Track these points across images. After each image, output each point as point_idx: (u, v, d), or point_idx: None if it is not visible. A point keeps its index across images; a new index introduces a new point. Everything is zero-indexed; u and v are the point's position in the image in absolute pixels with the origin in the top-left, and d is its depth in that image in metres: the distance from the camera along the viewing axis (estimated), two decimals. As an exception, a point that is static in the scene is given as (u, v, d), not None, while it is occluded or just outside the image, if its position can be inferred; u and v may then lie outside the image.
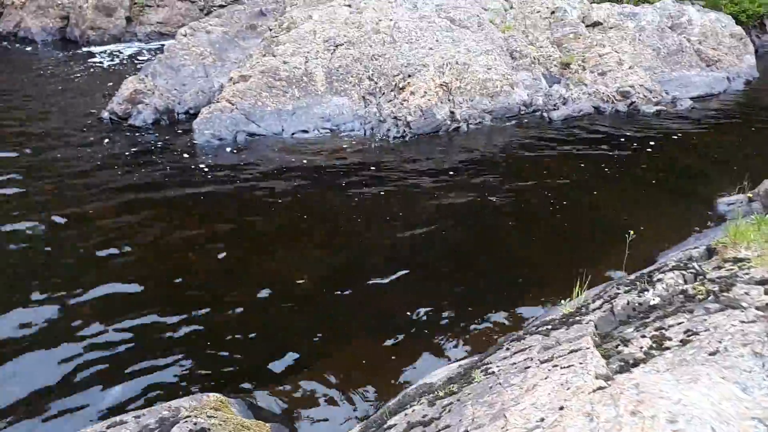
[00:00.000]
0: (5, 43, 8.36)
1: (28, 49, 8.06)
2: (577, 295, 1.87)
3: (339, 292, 2.99)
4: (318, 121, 5.21)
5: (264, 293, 2.96)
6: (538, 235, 3.57)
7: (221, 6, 8.47)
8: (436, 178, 4.33)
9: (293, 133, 5.09)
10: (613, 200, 4.03)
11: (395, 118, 5.13)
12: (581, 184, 4.25)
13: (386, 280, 3.09)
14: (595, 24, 6.35)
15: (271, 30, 6.20)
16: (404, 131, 5.07)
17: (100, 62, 7.40)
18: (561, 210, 3.86)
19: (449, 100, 5.30)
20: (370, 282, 3.08)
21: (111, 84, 6.38)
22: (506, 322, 2.75)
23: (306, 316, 2.81)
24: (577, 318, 1.53)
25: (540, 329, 1.56)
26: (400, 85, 5.34)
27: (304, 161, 4.57)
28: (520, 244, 3.48)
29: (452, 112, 5.25)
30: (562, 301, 1.89)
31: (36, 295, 2.86)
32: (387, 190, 4.11)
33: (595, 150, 4.88)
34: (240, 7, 7.80)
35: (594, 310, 1.56)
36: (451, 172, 4.44)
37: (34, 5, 8.40)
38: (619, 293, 1.61)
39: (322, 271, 3.19)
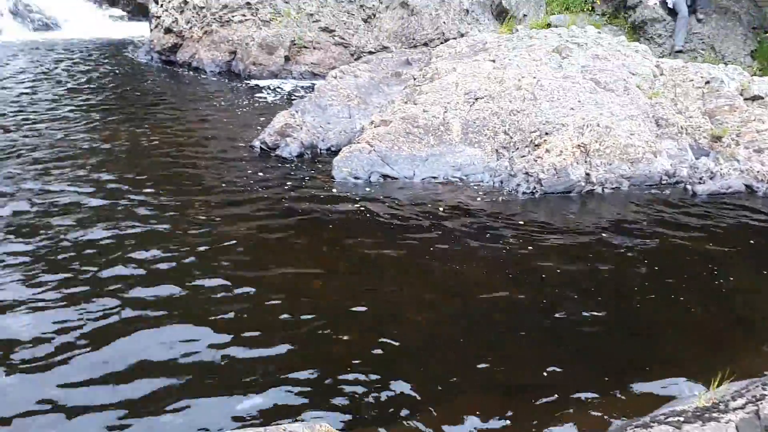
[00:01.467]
0: (181, 69, 9.48)
1: (202, 77, 9.06)
2: (716, 387, 1.75)
3: (452, 340, 3.01)
4: (449, 169, 5.33)
5: (379, 327, 3.05)
6: (669, 311, 3.36)
7: (371, 52, 8.99)
8: (563, 238, 4.25)
9: (423, 179, 5.24)
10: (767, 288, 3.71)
11: (527, 173, 5.12)
12: (726, 263, 3.95)
13: (498, 337, 3.07)
14: (755, 98, 5.94)
15: (415, 79, 6.48)
16: (535, 188, 5.03)
17: (263, 95, 8.11)
18: (700, 289, 3.61)
19: (586, 162, 5.19)
20: (481, 333, 3.07)
21: (265, 116, 6.97)
22: (623, 398, 2.60)
23: (420, 359, 2.85)
24: (715, 415, 1.44)
25: (669, 419, 1.48)
26: (536, 142, 5.33)
27: (432, 206, 4.69)
28: (649, 318, 3.30)
29: (588, 174, 5.14)
30: (696, 392, 1.78)
31: (170, 310, 3.17)
32: (511, 244, 4.09)
33: (744, 231, 4.53)
34: (388, 55, 8.24)
35: (735, 409, 1.46)
36: (580, 235, 4.32)
37: (208, 40, 9.45)
38: (766, 395, 1.49)
39: (438, 315, 3.24)
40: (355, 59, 8.97)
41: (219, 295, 3.29)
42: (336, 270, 3.69)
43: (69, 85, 8.07)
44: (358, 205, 4.65)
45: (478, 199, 4.92)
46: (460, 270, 3.76)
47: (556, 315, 3.29)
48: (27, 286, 3.28)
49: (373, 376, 2.71)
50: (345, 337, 2.99)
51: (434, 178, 5.25)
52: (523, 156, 5.30)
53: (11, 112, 6.64)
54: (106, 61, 9.95)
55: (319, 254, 3.87)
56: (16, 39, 11.28)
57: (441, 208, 4.67)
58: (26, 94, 7.48)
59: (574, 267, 3.84)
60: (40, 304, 3.13)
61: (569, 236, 4.31)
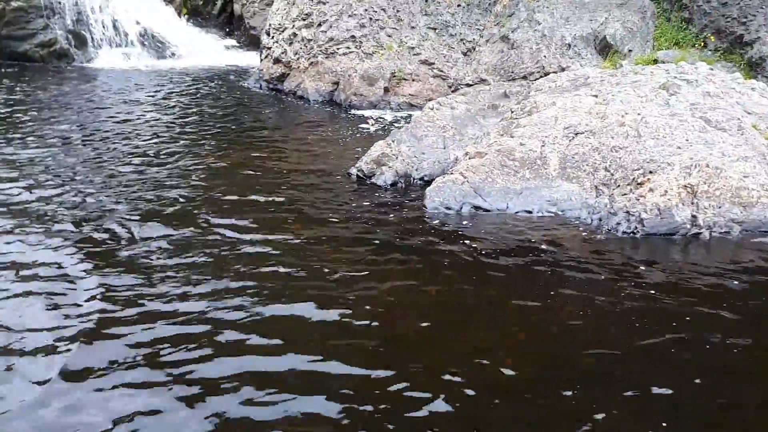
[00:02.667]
0: (286, 98, 9.99)
1: (305, 106, 9.51)
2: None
3: (546, 389, 2.92)
4: (544, 203, 5.23)
5: (458, 368, 3.02)
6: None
7: (468, 85, 9.06)
8: (665, 282, 4.03)
9: (517, 212, 5.18)
10: None
11: (628, 212, 4.92)
12: None
13: (594, 390, 2.94)
14: None
15: (512, 112, 6.46)
16: (636, 227, 4.83)
17: (362, 125, 8.38)
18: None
19: (692, 203, 4.92)
20: (573, 385, 2.96)
21: (363, 145, 7.18)
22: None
23: (509, 407, 2.79)
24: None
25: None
26: (639, 180, 5.12)
27: (525, 240, 4.61)
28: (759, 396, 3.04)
29: (694, 216, 4.86)
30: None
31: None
32: (609, 285, 3.93)
33: None
34: (486, 87, 8.27)
35: None
36: (685, 280, 4.08)
37: (314, 70, 9.91)
38: None
39: (526, 356, 3.16)
40: (453, 91, 9.07)
41: (307, 320, 3.40)
42: (423, 301, 3.71)
43: (185, 109, 8.74)
44: (448, 236, 4.67)
45: (575, 236, 4.79)
46: (552, 309, 3.66)
47: (658, 364, 3.12)
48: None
49: (460, 417, 2.69)
50: (422, 370, 2.99)
51: (528, 212, 5.16)
52: (625, 194, 5.11)
53: (134, 132, 7.28)
54: (220, 87, 10.69)
55: (407, 284, 3.90)
56: (143, 66, 12.39)
57: (535, 244, 4.58)
58: (149, 114, 8.17)
59: (675, 313, 3.63)
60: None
61: (673, 280, 4.09)
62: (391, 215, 5.06)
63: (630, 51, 9.02)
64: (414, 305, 3.62)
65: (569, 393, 2.84)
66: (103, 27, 12.59)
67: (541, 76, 8.04)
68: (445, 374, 2.95)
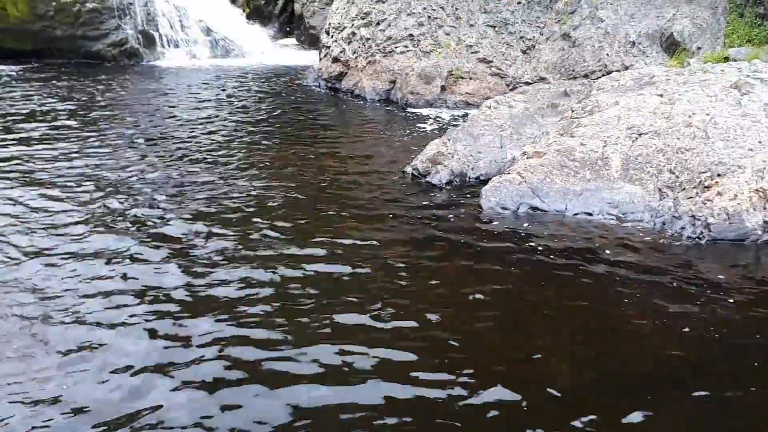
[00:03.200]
0: (343, 96, 10.12)
1: (362, 104, 9.61)
2: None
3: (603, 395, 2.85)
4: (604, 205, 5.09)
5: (512, 371, 2.98)
6: None
7: (527, 83, 8.92)
8: (731, 290, 3.85)
9: (576, 214, 5.06)
10: None
11: (693, 216, 4.74)
12: None
13: (655, 398, 2.85)
14: None
15: (572, 111, 6.32)
16: (702, 233, 4.64)
17: (418, 123, 8.39)
18: None
19: (765, 209, 4.69)
20: (633, 392, 2.88)
21: (418, 143, 7.19)
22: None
23: (564, 412, 2.75)
24: None
25: None
26: (706, 183, 4.91)
27: (584, 243, 4.51)
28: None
29: (766, 222, 4.63)
30: None
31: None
32: (670, 291, 3.80)
33: None
34: (545, 86, 8.12)
35: None
36: (756, 291, 3.89)
37: (371, 69, 9.99)
38: None
39: (581, 361, 3.10)
40: (511, 90, 8.95)
41: (356, 320, 3.44)
42: (477, 301, 3.68)
43: (245, 107, 8.98)
44: (504, 236, 4.62)
45: (637, 239, 4.64)
46: (611, 313, 3.57)
47: (714, 376, 3.00)
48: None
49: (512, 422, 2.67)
50: (474, 372, 2.98)
51: (588, 214, 5.04)
52: (690, 197, 4.92)
53: (196, 129, 7.55)
54: (279, 86, 10.93)
55: (461, 283, 3.89)
56: (207, 64, 12.82)
57: (594, 246, 4.47)
58: (210, 112, 8.45)
59: (742, 320, 3.47)
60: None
61: (740, 287, 3.90)
62: (446, 214, 5.04)
63: (699, 48, 8.65)
64: (467, 306, 3.60)
65: (628, 400, 2.77)
66: (171, 27, 13.09)
67: (604, 75, 7.83)
68: (497, 377, 2.92)
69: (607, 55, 8.74)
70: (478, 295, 3.72)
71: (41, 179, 5.45)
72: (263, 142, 7.13)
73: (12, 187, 5.21)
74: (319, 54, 11.16)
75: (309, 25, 17.07)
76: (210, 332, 3.20)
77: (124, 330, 3.19)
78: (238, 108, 8.92)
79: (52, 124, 7.51)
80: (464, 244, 4.46)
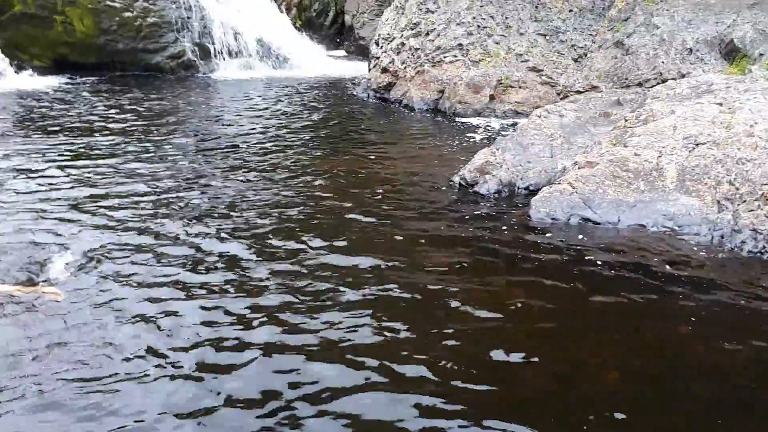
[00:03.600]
0: (392, 106, 10.19)
1: (410, 114, 9.65)
2: None
3: (654, 409, 2.78)
4: (659, 217, 4.95)
5: (560, 382, 2.93)
6: None
7: (578, 92, 8.77)
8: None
9: (629, 225, 4.94)
10: None
11: (755, 230, 4.55)
12: None
13: (712, 416, 2.75)
14: None
15: (626, 120, 6.17)
16: (764, 247, 4.45)
17: (466, 133, 8.37)
18: None
19: (833, 223, 4.46)
20: (686, 409, 2.79)
21: (466, 153, 7.17)
22: None
23: (612, 424, 2.69)
24: None
25: None
26: (768, 196, 4.72)
27: (638, 256, 4.39)
28: None
29: (834, 237, 4.40)
30: None
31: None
32: (728, 308, 3.65)
33: None
34: (597, 95, 7.96)
35: None
36: (821, 308, 3.70)
37: (420, 79, 10.03)
38: None
39: (632, 376, 3.02)
40: (561, 98, 8.82)
41: (402, 330, 3.46)
42: (526, 312, 3.64)
43: (296, 117, 9.16)
44: (554, 248, 4.55)
45: (693, 253, 4.49)
46: (664, 328, 3.46)
47: (783, 395, 2.87)
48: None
49: None
50: (524, 383, 2.94)
51: (641, 226, 4.91)
52: (752, 210, 4.73)
53: (248, 138, 7.75)
54: (329, 96, 11.11)
55: (509, 294, 3.86)
56: (259, 75, 13.16)
57: (648, 259, 4.35)
58: (262, 122, 8.66)
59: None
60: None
61: (806, 306, 3.72)
62: (494, 225, 5.01)
63: (761, 55, 8.31)
64: (516, 316, 3.57)
65: (680, 416, 2.68)
66: (225, 39, 13.50)
67: (658, 83, 7.63)
68: (547, 392, 2.89)
69: (663, 62, 8.51)
70: (526, 308, 3.68)
71: (98, 186, 5.71)
72: (313, 152, 7.26)
73: (67, 197, 5.48)
74: (369, 64, 11.28)
75: (359, 36, 17.31)
76: (259, 339, 3.28)
77: (178, 341, 3.31)
78: (289, 118, 9.11)
79: (112, 134, 7.85)
80: (512, 254, 4.42)
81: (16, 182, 5.73)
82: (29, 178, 5.88)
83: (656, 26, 8.73)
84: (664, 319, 3.57)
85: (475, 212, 5.31)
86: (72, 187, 5.64)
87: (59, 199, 5.31)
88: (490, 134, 8.28)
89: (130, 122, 8.53)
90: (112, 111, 9.24)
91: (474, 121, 9.10)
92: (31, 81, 11.38)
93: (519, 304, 3.70)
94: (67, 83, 11.50)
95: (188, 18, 12.96)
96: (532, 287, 3.94)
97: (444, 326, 3.41)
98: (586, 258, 4.37)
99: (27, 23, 11.82)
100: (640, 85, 8.54)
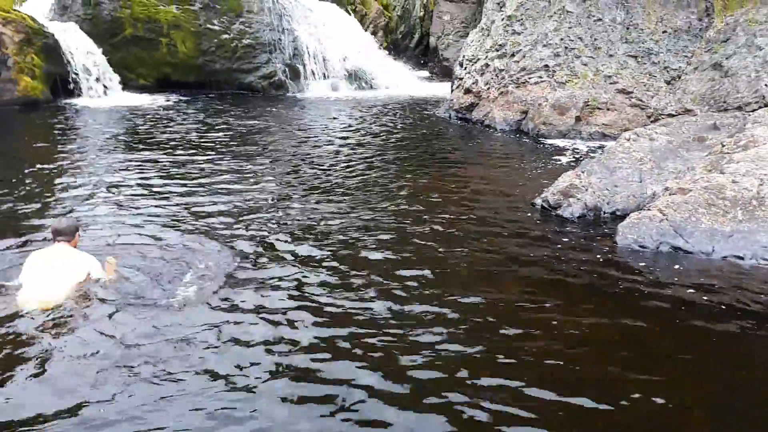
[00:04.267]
0: (473, 126, 10.21)
1: (492, 134, 9.63)
2: None
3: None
4: (759, 249, 4.66)
5: (646, 423, 2.81)
6: None
7: (670, 115, 8.43)
8: None
9: (724, 257, 4.68)
10: None
11: None
12: None
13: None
14: None
15: (723, 145, 5.88)
16: None
17: (550, 154, 8.26)
18: None
19: None
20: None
21: (549, 174, 7.05)
22: None
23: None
24: None
25: None
26: None
27: (735, 290, 4.14)
28: None
29: None
30: None
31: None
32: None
33: None
34: (691, 118, 7.62)
35: None
36: None
37: (503, 100, 10.00)
38: None
39: (728, 422, 2.85)
40: (652, 121, 8.50)
41: (477, 354, 3.44)
42: (607, 343, 3.52)
43: (379, 136, 9.36)
44: (642, 277, 4.38)
45: (795, 289, 4.19)
46: (759, 370, 3.25)
47: None
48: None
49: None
50: (605, 421, 2.85)
51: (739, 258, 4.64)
52: None
53: (333, 156, 8.00)
54: (412, 116, 11.28)
55: (590, 324, 3.74)
56: (346, 96, 13.56)
57: (745, 294, 4.10)
58: (346, 140, 8.92)
59: None
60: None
61: None
62: (578, 249, 4.89)
63: None
64: (597, 348, 3.45)
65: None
66: (314, 61, 14.05)
67: (760, 107, 7.21)
68: (631, 426, 2.78)
69: (765, 85, 8.03)
70: (607, 337, 3.56)
71: (193, 196, 6.07)
72: (396, 171, 7.38)
73: (157, 208, 5.85)
74: (452, 85, 11.37)
75: (442, 57, 17.48)
76: (348, 379, 3.37)
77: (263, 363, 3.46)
78: (373, 137, 9.32)
79: (206, 150, 8.33)
80: (597, 282, 4.30)
81: (112, 193, 6.22)
82: (126, 188, 6.36)
83: (759, 47, 8.26)
84: (759, 357, 3.35)
85: (559, 236, 5.21)
86: (165, 199, 6.02)
87: (150, 210, 5.69)
88: (575, 156, 8.10)
89: (223, 138, 9.03)
90: (207, 127, 9.82)
91: (558, 142, 8.94)
92: (136, 98, 12.32)
93: (603, 334, 3.59)
94: (168, 100, 12.35)
95: (280, 40, 13.60)
96: (617, 316, 3.81)
97: (521, 352, 3.36)
98: (676, 288, 4.18)
99: (136, 45, 12.82)
100: (739, 108, 8.09)
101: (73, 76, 11.93)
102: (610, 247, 4.92)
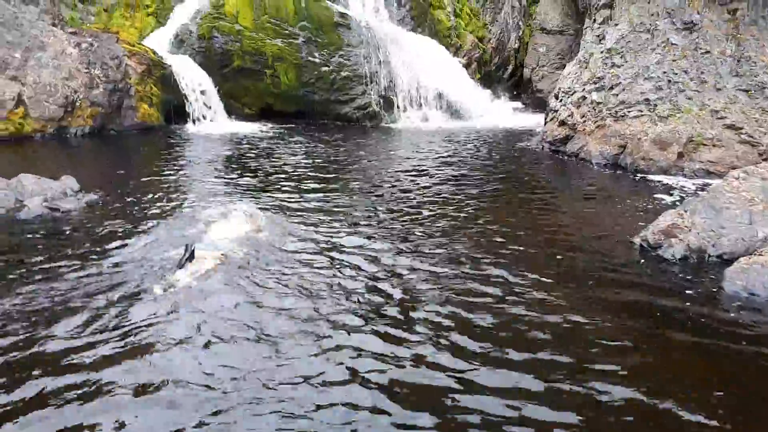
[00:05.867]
0: (567, 159, 10.01)
1: (586, 168, 9.40)
2: None
3: None
4: None
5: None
6: None
7: (787, 153, 7.90)
8: None
9: None
10: None
11: None
12: None
13: None
14: None
15: None
16: None
17: (649, 191, 7.95)
18: None
19: None
20: None
21: (649, 212, 6.79)
22: None
23: None
24: None
25: None
26: None
27: None
28: None
29: None
30: None
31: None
32: None
33: None
34: (811, 157, 7.11)
35: None
36: None
37: (600, 133, 9.76)
38: None
39: None
40: (763, 160, 8.00)
41: (570, 396, 3.37)
42: (708, 396, 3.34)
43: (469, 166, 9.40)
44: (751, 328, 4.11)
45: None
46: None
47: None
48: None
49: None
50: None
51: None
52: None
53: (423, 184, 8.11)
54: (503, 147, 11.24)
55: (689, 374, 3.56)
56: (437, 126, 13.75)
57: None
58: (437, 169, 9.02)
59: None
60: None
61: None
62: (680, 293, 4.68)
63: None
64: (698, 400, 3.28)
65: None
66: (408, 92, 14.37)
67: None
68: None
69: None
70: (707, 389, 3.37)
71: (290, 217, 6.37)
72: (486, 202, 7.38)
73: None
74: (545, 117, 11.25)
75: (536, 89, 17.33)
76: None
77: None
78: (463, 167, 9.38)
79: (301, 175, 8.71)
80: (700, 329, 4.08)
81: (216, 210, 6.63)
82: (229, 202, 6.77)
83: None
84: None
85: (659, 278, 5.01)
86: (265, 212, 6.36)
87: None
88: (677, 194, 7.76)
89: (318, 165, 9.41)
90: (303, 154, 10.28)
91: (658, 179, 8.59)
92: (240, 125, 13.13)
93: (699, 386, 3.41)
94: (269, 128, 13.04)
95: (376, 73, 14.04)
96: (721, 370, 3.59)
97: (616, 398, 3.26)
98: (789, 340, 3.90)
99: (243, 76, 13.69)
100: None
101: (186, 103, 12.90)
102: (716, 293, 4.67)
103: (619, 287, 4.78)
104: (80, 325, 3.90)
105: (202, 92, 13.10)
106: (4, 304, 4.15)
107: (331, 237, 5.86)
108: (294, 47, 13.73)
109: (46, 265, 4.89)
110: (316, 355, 3.63)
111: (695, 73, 9.04)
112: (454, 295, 4.53)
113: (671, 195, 7.74)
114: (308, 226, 6.17)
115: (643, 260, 5.43)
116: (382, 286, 4.71)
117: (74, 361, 3.49)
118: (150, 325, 3.93)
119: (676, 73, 9.09)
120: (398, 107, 14.30)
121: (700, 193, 7.51)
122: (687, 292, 4.70)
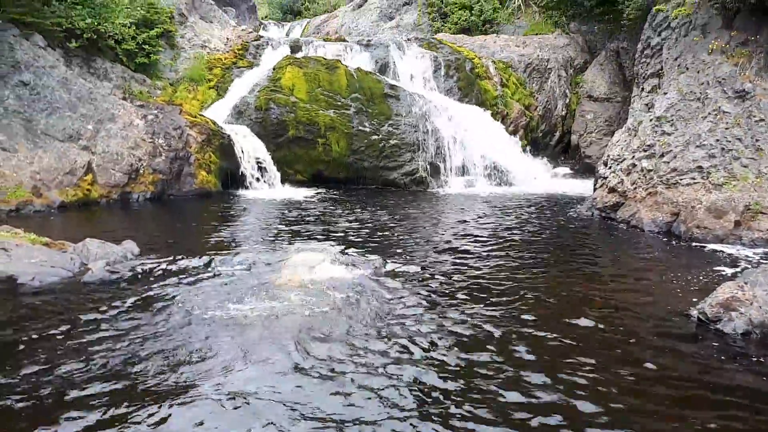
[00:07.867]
0: (618, 225, 9.85)
1: (638, 235, 9.22)
2: None
3: None
4: None
5: None
6: None
7: None
8: None
9: None
10: None
11: None
12: None
13: None
14: None
15: None
16: None
17: (706, 261, 7.71)
18: None
19: None
20: None
21: (706, 283, 6.58)
22: None
23: None
24: None
25: None
26: None
27: None
28: None
29: None
30: None
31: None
32: None
33: None
34: None
35: None
36: None
37: (651, 200, 9.62)
38: None
39: None
40: (829, 229, 7.68)
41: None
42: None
43: (514, 231, 9.36)
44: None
45: None
46: None
47: None
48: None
49: None
50: None
51: None
52: None
53: (466, 249, 8.10)
54: (550, 213, 11.17)
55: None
56: (483, 192, 13.83)
57: None
58: (480, 235, 9.01)
59: None
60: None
61: None
62: (741, 370, 4.46)
63: None
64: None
65: None
66: (454, 159, 14.61)
67: None
68: None
69: None
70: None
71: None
72: (533, 270, 7.29)
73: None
74: (594, 183, 11.18)
75: (584, 155, 17.32)
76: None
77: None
78: (509, 233, 9.34)
79: (351, 237, 8.87)
80: (765, 411, 3.87)
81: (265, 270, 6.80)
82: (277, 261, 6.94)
83: None
84: None
85: (718, 353, 4.80)
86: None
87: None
88: (735, 264, 7.49)
89: (366, 229, 9.57)
90: (354, 218, 10.50)
91: (714, 247, 8.33)
92: (293, 191, 13.60)
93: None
94: (319, 194, 13.43)
95: (424, 140, 14.39)
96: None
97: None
98: None
99: (296, 144, 14.26)
100: None
101: (242, 171, 13.49)
102: (780, 372, 4.43)
103: (676, 361, 4.60)
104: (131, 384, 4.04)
105: (258, 160, 13.68)
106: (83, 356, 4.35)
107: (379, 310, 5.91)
108: (345, 117, 14.27)
109: (105, 325, 5.11)
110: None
111: (750, 140, 8.90)
112: (508, 365, 4.47)
113: (729, 265, 7.48)
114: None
115: (701, 334, 5.23)
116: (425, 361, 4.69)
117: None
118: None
119: (730, 141, 8.97)
120: (445, 173, 14.52)
121: (761, 263, 7.24)
122: (750, 370, 4.48)
